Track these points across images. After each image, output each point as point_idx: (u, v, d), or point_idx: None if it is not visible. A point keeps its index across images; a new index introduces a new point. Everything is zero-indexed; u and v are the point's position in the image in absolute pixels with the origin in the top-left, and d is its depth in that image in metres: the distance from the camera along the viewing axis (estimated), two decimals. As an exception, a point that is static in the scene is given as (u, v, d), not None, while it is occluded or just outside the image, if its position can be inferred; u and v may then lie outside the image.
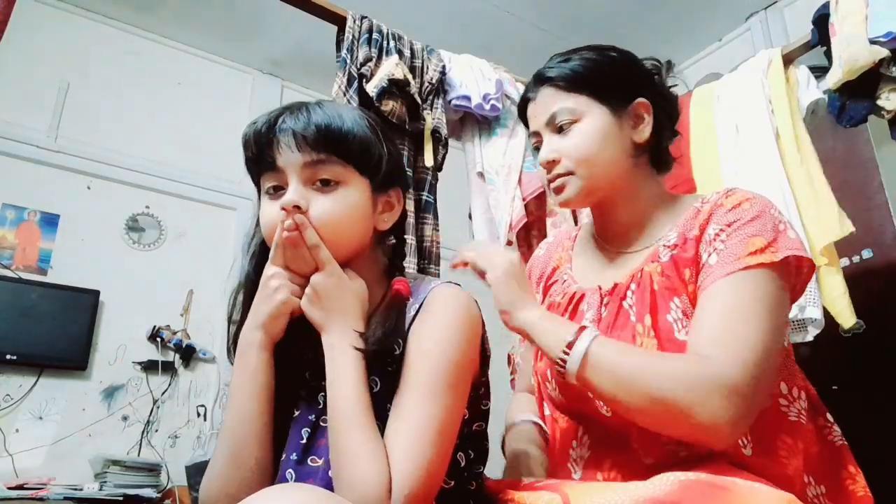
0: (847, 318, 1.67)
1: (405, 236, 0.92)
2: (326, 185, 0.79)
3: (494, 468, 0.92)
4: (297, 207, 0.77)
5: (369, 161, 0.82)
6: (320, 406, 0.81)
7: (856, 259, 2.02)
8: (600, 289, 0.94)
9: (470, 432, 0.84)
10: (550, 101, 0.95)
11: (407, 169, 1.75)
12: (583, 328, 0.81)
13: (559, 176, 0.94)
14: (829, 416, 0.92)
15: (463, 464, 0.83)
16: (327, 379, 0.76)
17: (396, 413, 0.74)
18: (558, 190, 0.95)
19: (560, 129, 0.94)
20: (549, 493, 0.77)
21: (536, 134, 0.99)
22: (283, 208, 0.77)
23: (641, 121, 0.95)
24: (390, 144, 0.86)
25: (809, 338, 1.67)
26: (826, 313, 1.69)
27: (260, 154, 0.81)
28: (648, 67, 1.00)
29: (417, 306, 0.81)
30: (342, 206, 0.79)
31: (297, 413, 0.83)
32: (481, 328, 0.83)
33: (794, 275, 0.85)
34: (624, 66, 0.97)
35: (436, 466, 0.72)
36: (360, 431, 0.72)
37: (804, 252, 0.83)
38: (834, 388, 1.97)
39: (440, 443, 0.72)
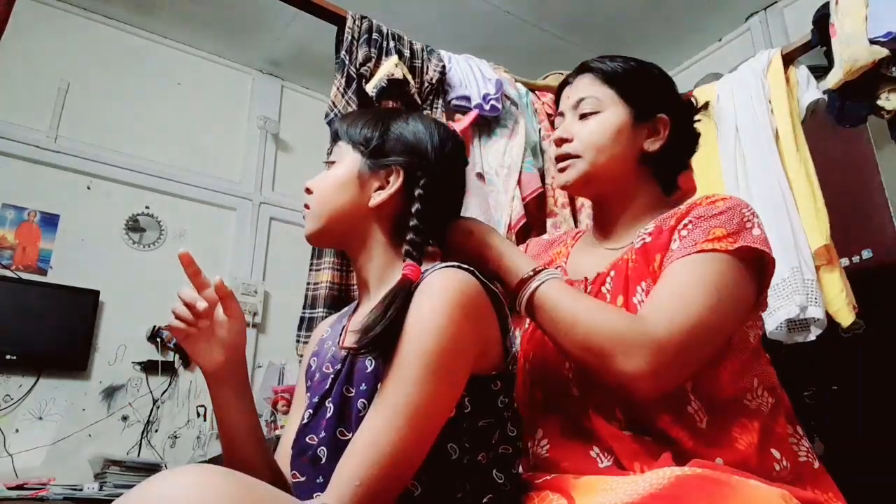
0: (846, 316, 1.67)
1: (423, 223, 0.86)
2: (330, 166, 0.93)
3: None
4: (308, 190, 0.93)
5: (358, 137, 0.91)
6: (326, 387, 0.84)
7: (856, 259, 2.01)
8: (586, 279, 0.97)
9: (496, 456, 0.80)
10: (583, 87, 1.02)
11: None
12: (542, 269, 0.86)
13: (568, 156, 1.00)
14: (799, 428, 0.92)
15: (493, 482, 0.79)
16: None
17: (376, 398, 0.73)
18: (563, 169, 1.01)
19: (583, 116, 1.00)
20: (556, 498, 0.79)
21: (561, 114, 1.04)
22: None
23: (657, 134, 1.00)
24: (396, 126, 0.91)
25: (812, 337, 1.67)
26: (827, 313, 1.69)
27: None
28: (685, 100, 1.04)
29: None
30: (327, 179, 0.91)
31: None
32: (485, 312, 0.78)
33: (756, 268, 0.87)
34: (659, 83, 1.03)
35: (401, 454, 0.68)
36: None
37: (765, 247, 0.85)
38: (834, 388, 1.97)
39: (412, 429, 0.69)
